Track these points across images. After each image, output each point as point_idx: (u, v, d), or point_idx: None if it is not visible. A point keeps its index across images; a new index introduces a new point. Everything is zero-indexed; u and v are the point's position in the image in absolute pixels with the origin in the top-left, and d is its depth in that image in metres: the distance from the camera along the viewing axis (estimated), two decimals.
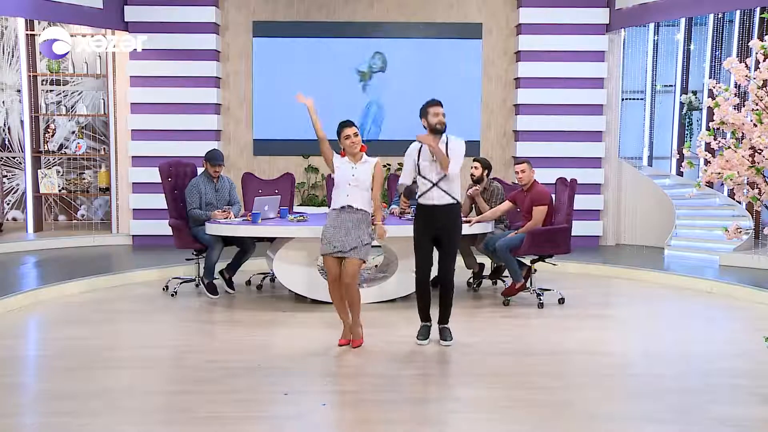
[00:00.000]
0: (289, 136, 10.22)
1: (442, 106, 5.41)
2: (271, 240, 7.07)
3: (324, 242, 5.31)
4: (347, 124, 5.36)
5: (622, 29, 9.93)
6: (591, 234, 9.90)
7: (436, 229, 5.33)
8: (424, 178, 5.34)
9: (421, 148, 5.37)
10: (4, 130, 10.80)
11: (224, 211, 6.92)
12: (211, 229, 6.63)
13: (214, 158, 7.06)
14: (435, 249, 5.43)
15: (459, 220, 5.44)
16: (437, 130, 5.30)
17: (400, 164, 9.61)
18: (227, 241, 6.91)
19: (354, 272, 5.26)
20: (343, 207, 5.30)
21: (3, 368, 4.92)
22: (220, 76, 10.03)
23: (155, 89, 9.72)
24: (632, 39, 10.42)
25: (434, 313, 5.51)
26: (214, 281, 6.98)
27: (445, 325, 5.46)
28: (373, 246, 5.57)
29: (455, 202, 5.35)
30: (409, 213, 6.92)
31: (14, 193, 10.85)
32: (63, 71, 10.29)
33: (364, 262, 5.38)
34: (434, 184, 5.29)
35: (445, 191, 5.29)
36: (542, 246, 6.66)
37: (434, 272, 5.49)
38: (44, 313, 6.51)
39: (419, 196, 5.40)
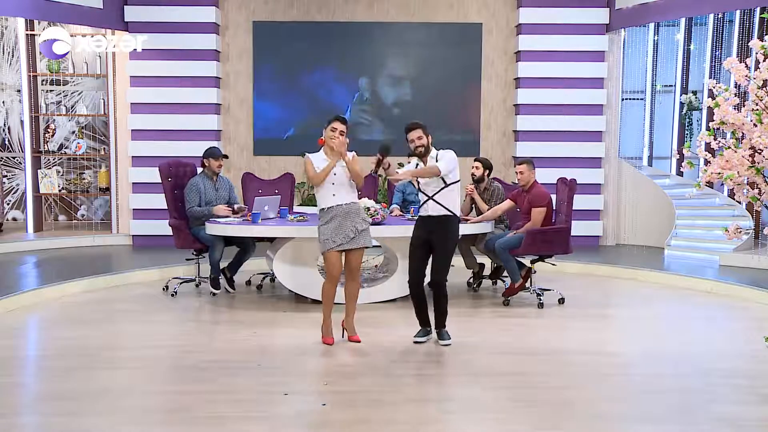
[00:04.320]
0: (289, 135, 10.22)
1: (420, 127, 5.39)
2: (271, 240, 7.07)
3: (322, 240, 5.33)
4: (340, 119, 5.38)
5: (622, 29, 9.93)
6: (591, 234, 9.90)
7: (429, 236, 5.38)
8: (422, 192, 5.44)
9: (417, 165, 5.47)
10: (4, 130, 10.80)
11: (228, 207, 6.96)
12: (212, 229, 6.64)
13: (216, 153, 7.09)
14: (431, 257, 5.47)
15: (453, 230, 5.44)
16: (417, 154, 5.39)
17: (400, 164, 9.61)
18: (227, 240, 6.92)
19: (359, 262, 5.41)
20: (331, 207, 5.33)
21: (3, 368, 4.92)
22: (220, 76, 10.03)
23: (155, 89, 9.72)
24: (632, 39, 10.42)
25: (432, 317, 5.52)
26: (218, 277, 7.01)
27: (442, 329, 5.48)
28: (373, 246, 5.59)
29: (451, 214, 5.38)
30: (404, 214, 6.98)
31: (14, 193, 10.85)
32: (63, 71, 10.29)
33: (367, 247, 5.43)
34: (430, 198, 5.37)
35: (440, 204, 5.35)
36: (541, 246, 6.66)
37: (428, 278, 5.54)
38: (44, 313, 6.51)
39: (418, 209, 5.51)
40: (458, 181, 5.42)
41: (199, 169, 7.28)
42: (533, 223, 6.65)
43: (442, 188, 5.34)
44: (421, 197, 5.47)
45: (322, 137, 5.40)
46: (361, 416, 4.06)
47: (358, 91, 10.21)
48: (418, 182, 5.47)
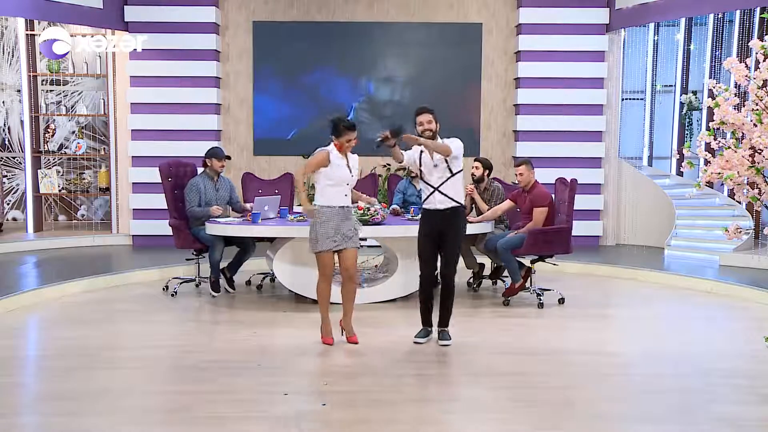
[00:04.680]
0: (289, 136, 10.22)
1: (429, 112, 5.32)
2: (271, 240, 7.07)
3: (321, 240, 5.28)
4: (351, 128, 5.31)
5: (622, 29, 9.92)
6: (591, 234, 9.90)
7: (438, 231, 5.35)
8: (426, 183, 5.37)
9: (421, 152, 5.38)
10: (4, 130, 10.80)
11: (219, 207, 6.96)
12: (212, 229, 6.64)
13: (218, 153, 7.09)
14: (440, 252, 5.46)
15: (461, 222, 5.44)
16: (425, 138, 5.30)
17: (386, 165, 9.65)
18: (227, 240, 6.92)
19: (354, 260, 5.40)
20: (342, 207, 5.32)
21: (3, 368, 4.92)
22: (220, 76, 10.03)
23: (155, 89, 9.72)
24: (632, 39, 10.42)
25: (435, 317, 5.52)
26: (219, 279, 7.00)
27: (445, 328, 5.47)
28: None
29: (458, 205, 5.37)
30: (405, 214, 6.98)
31: (14, 193, 10.85)
32: (63, 71, 10.29)
33: (357, 248, 5.48)
34: (435, 189, 5.32)
35: (446, 195, 5.32)
36: (542, 246, 6.66)
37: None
38: (44, 313, 6.51)
39: (423, 201, 5.43)
40: (462, 170, 5.39)
41: (200, 169, 7.28)
42: (535, 223, 6.65)
43: (448, 178, 5.31)
44: (425, 189, 5.38)
45: (335, 142, 5.35)
46: (361, 416, 4.06)
47: (362, 92, 10.20)
48: (421, 171, 5.38)
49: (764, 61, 3.76)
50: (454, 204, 5.34)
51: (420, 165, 5.39)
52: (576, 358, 5.21)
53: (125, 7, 9.64)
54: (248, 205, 7.11)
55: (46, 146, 10.42)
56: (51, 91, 10.59)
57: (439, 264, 5.47)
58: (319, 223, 5.29)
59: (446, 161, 5.30)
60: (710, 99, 3.87)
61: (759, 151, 3.73)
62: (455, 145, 5.31)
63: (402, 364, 5.03)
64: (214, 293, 6.94)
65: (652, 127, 10.75)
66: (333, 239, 5.27)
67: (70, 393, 4.40)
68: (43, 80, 10.47)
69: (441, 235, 5.35)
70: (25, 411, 4.29)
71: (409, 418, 4.05)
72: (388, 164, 9.77)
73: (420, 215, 5.56)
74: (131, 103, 9.79)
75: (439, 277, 5.51)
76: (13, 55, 10.62)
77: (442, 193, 5.31)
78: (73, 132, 10.65)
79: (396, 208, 7.20)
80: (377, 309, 6.50)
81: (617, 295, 7.64)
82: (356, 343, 5.38)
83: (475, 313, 6.56)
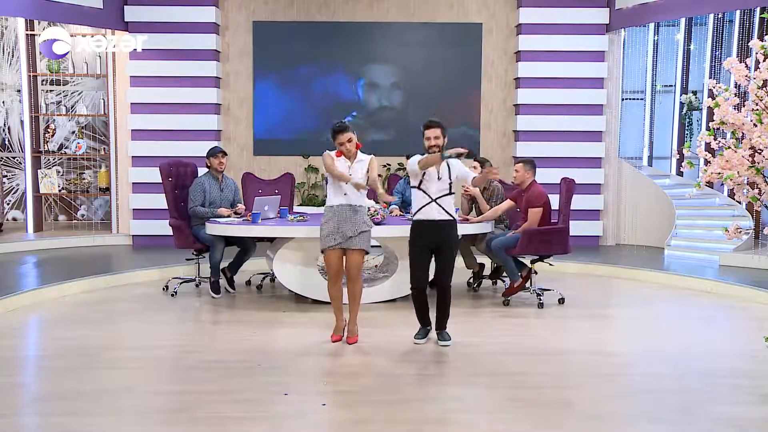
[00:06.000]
0: (289, 136, 10.23)
1: (438, 126, 5.28)
2: (271, 240, 7.07)
3: (323, 238, 5.34)
4: (341, 130, 5.30)
5: (622, 29, 9.93)
6: (591, 234, 9.91)
7: (434, 244, 5.35)
8: (424, 192, 5.32)
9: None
10: (4, 130, 10.80)
11: (236, 210, 6.96)
12: (212, 229, 6.64)
13: (214, 151, 7.08)
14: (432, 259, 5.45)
15: (455, 234, 5.45)
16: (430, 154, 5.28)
17: (400, 164, 9.65)
18: (227, 240, 6.92)
19: (358, 263, 5.36)
20: (341, 204, 5.34)
21: (3, 368, 4.92)
22: (220, 76, 10.03)
23: (155, 89, 9.73)
24: (632, 39, 10.43)
25: (433, 316, 5.52)
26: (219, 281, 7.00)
27: (443, 330, 5.48)
28: (373, 246, 5.59)
29: (452, 218, 5.38)
30: (404, 214, 6.97)
31: (14, 193, 10.85)
32: (63, 71, 10.29)
33: (367, 252, 5.42)
34: (433, 200, 5.30)
35: (442, 207, 5.32)
36: (537, 246, 6.65)
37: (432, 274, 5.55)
38: (44, 313, 6.51)
39: (416, 212, 5.37)
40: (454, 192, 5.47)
41: (200, 170, 7.29)
42: (530, 223, 6.65)
43: (446, 194, 5.33)
44: (420, 199, 5.32)
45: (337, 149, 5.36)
46: (361, 416, 4.06)
47: (361, 92, 10.21)
48: (421, 180, 5.32)
49: (764, 61, 3.76)
50: (448, 217, 5.35)
51: (422, 176, 5.30)
52: (576, 358, 5.21)
53: (125, 7, 9.65)
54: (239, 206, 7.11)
55: (46, 146, 10.42)
56: (51, 91, 10.60)
57: (432, 272, 5.48)
58: (323, 223, 5.39)
59: (450, 179, 5.33)
60: (710, 99, 3.87)
61: (759, 151, 3.74)
62: (459, 165, 5.41)
63: (402, 364, 5.03)
64: (214, 295, 6.94)
65: (652, 127, 10.76)
66: (333, 237, 5.29)
67: (70, 393, 4.39)
68: (43, 80, 10.48)
69: (438, 248, 5.36)
70: (25, 411, 4.28)
71: (410, 418, 4.04)
72: (388, 164, 9.77)
73: (411, 225, 5.44)
74: (131, 103, 9.80)
75: (434, 280, 5.51)
76: (13, 55, 10.62)
77: (441, 206, 5.31)
78: (73, 132, 10.65)
79: (395, 209, 7.22)
80: (377, 309, 6.50)
81: (617, 295, 7.63)
82: (351, 343, 5.38)
83: (475, 313, 6.56)
